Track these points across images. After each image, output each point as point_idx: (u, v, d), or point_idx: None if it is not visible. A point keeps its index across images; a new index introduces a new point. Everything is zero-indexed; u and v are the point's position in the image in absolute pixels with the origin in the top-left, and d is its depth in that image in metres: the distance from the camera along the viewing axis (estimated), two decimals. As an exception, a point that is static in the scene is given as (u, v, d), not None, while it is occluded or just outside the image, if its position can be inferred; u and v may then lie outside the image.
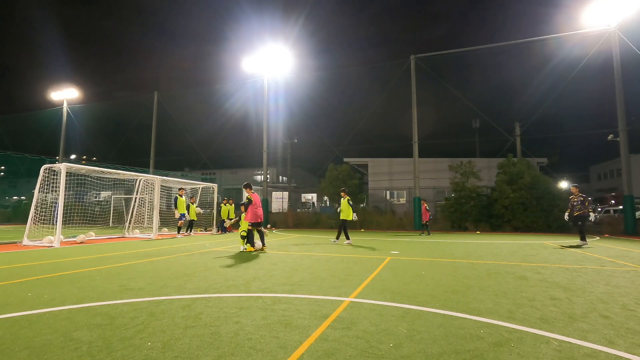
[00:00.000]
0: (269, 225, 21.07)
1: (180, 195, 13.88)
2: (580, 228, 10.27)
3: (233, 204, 16.87)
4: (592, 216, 10.13)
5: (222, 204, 16.35)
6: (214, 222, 17.37)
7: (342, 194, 11.25)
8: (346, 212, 10.94)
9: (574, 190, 10.40)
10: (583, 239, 10.19)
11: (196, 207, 15.43)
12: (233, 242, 11.16)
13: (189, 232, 14.81)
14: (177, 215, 14.01)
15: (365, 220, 20.15)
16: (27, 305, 3.58)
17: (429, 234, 15.52)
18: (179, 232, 14.23)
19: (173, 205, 14.08)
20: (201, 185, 18.03)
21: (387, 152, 26.04)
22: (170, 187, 17.86)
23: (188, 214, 14.61)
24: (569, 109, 20.52)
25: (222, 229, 16.25)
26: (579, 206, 10.12)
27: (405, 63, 20.03)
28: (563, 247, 10.01)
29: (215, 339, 2.69)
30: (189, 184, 17.69)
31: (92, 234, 11.94)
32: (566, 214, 10.64)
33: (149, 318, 3.18)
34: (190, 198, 15.28)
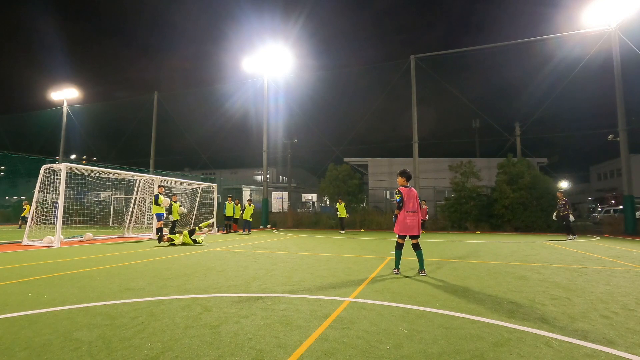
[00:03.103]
0: (269, 225, 21.07)
1: (160, 193, 12.13)
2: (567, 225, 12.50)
3: (239, 204, 17.66)
4: (571, 217, 12.41)
5: (233, 203, 17.20)
6: (214, 221, 17.38)
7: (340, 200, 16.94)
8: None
9: (559, 195, 12.85)
10: (571, 234, 12.40)
11: (180, 206, 13.54)
12: (233, 242, 11.16)
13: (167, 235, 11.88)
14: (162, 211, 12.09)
15: (365, 220, 20.15)
16: (27, 305, 3.58)
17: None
18: (159, 236, 11.14)
19: (154, 203, 12.01)
20: (201, 185, 18.03)
21: (387, 152, 26.04)
22: (171, 187, 17.84)
23: (170, 213, 12.91)
24: (569, 109, 20.52)
25: (226, 227, 17.14)
26: (562, 208, 12.45)
27: (405, 63, 20.03)
28: (550, 240, 11.91)
29: (215, 339, 2.69)
30: (189, 184, 17.69)
31: (90, 235, 11.93)
32: (554, 214, 12.98)
33: (149, 318, 3.18)
34: (172, 196, 13.30)
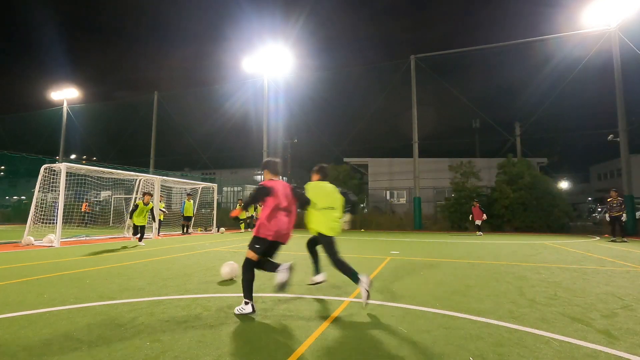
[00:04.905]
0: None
1: (146, 203, 10.14)
2: (614, 226, 12.07)
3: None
4: (624, 217, 11.97)
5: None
6: (214, 221, 17.39)
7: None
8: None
9: (613, 194, 12.03)
10: (613, 235, 12.09)
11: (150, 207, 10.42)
12: (233, 242, 11.16)
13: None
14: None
15: (365, 220, 20.15)
16: (27, 305, 3.58)
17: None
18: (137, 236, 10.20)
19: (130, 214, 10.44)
20: (201, 185, 18.04)
21: (387, 152, 26.04)
22: (171, 187, 17.84)
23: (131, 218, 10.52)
24: (569, 109, 20.51)
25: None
26: (617, 207, 11.85)
27: (405, 63, 20.03)
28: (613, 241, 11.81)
29: (215, 339, 2.69)
30: (189, 184, 17.70)
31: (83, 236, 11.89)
32: (607, 214, 12.58)
33: (149, 318, 3.18)
34: (145, 195, 10.33)
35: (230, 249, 9.10)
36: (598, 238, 13.48)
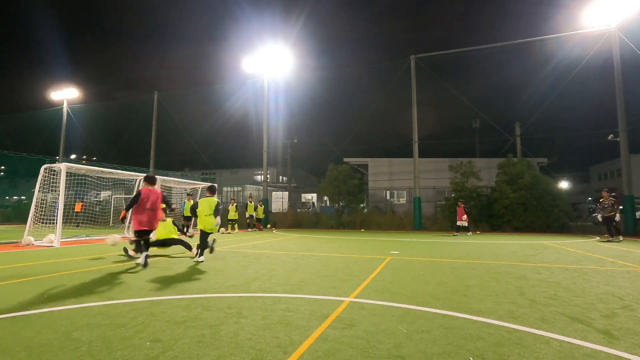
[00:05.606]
0: (268, 225, 21.06)
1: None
2: (608, 226, 12.00)
3: (252, 202, 18.51)
4: (617, 217, 11.75)
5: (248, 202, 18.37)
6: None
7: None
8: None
9: (604, 194, 12.02)
10: (611, 235, 11.93)
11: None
12: (232, 242, 11.16)
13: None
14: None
15: (365, 220, 20.14)
16: (27, 305, 3.58)
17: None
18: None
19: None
20: (201, 185, 18.02)
21: (387, 152, 26.03)
22: (171, 187, 17.81)
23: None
24: (569, 109, 20.51)
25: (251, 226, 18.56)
26: (609, 208, 11.77)
27: (405, 63, 20.03)
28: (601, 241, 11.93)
29: (215, 339, 2.69)
30: (189, 184, 17.68)
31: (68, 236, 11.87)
32: (599, 215, 12.49)
33: (149, 318, 3.18)
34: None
35: (230, 249, 9.09)
36: (598, 238, 13.48)
